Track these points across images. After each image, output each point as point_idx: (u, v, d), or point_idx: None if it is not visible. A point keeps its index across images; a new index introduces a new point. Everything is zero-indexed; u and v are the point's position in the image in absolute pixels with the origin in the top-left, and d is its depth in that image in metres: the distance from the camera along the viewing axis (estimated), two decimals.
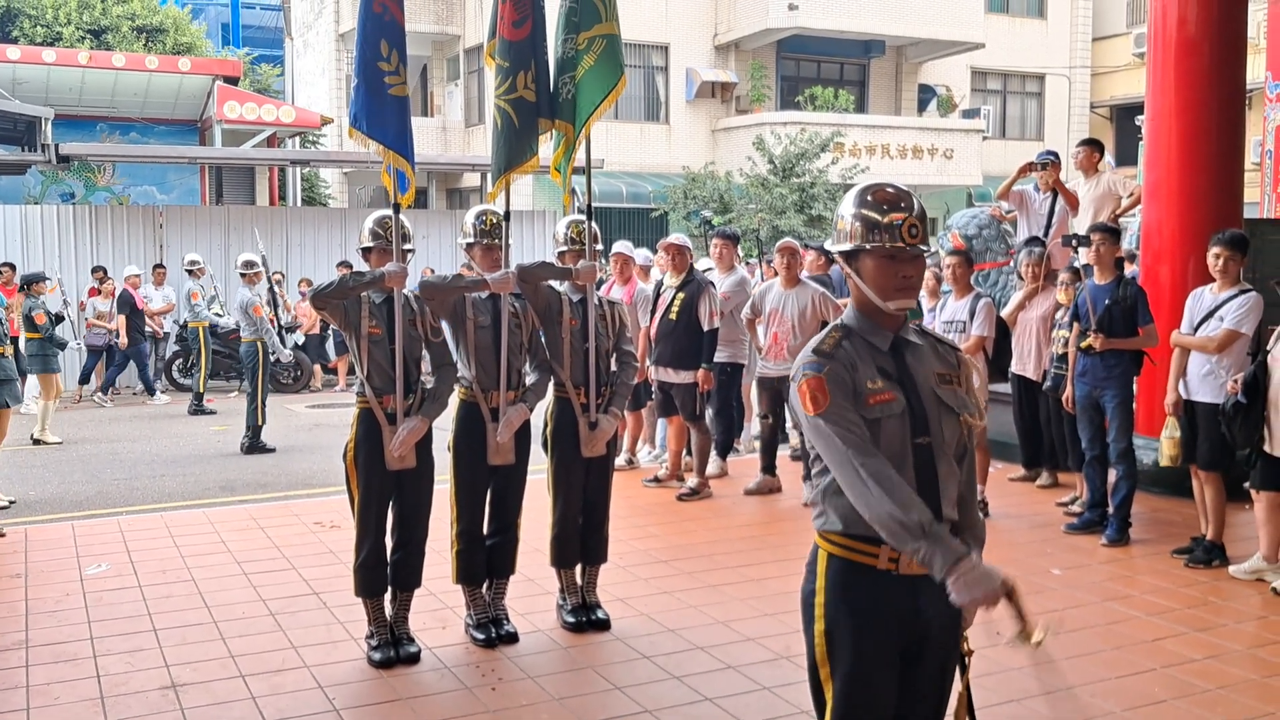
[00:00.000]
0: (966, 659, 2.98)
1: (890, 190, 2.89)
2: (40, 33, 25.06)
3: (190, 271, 15.38)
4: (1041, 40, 32.71)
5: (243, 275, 12.17)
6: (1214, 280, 6.75)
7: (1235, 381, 6.30)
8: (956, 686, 2.96)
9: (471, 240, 5.46)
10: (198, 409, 14.44)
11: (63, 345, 12.56)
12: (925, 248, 2.85)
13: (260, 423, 11.48)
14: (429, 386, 5.26)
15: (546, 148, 5.81)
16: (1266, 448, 6.17)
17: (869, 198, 2.87)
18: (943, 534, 2.66)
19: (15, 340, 12.30)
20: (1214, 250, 6.66)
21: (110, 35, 25.71)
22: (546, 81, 5.66)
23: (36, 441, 11.92)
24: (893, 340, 2.87)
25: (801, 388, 2.80)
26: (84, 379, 16.01)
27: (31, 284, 12.89)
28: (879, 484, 2.66)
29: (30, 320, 12.20)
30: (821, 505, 2.86)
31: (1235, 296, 6.60)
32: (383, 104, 5.18)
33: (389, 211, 5.29)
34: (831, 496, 2.82)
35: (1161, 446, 6.99)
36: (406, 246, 5.27)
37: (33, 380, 12.53)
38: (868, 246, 2.82)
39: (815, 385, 2.77)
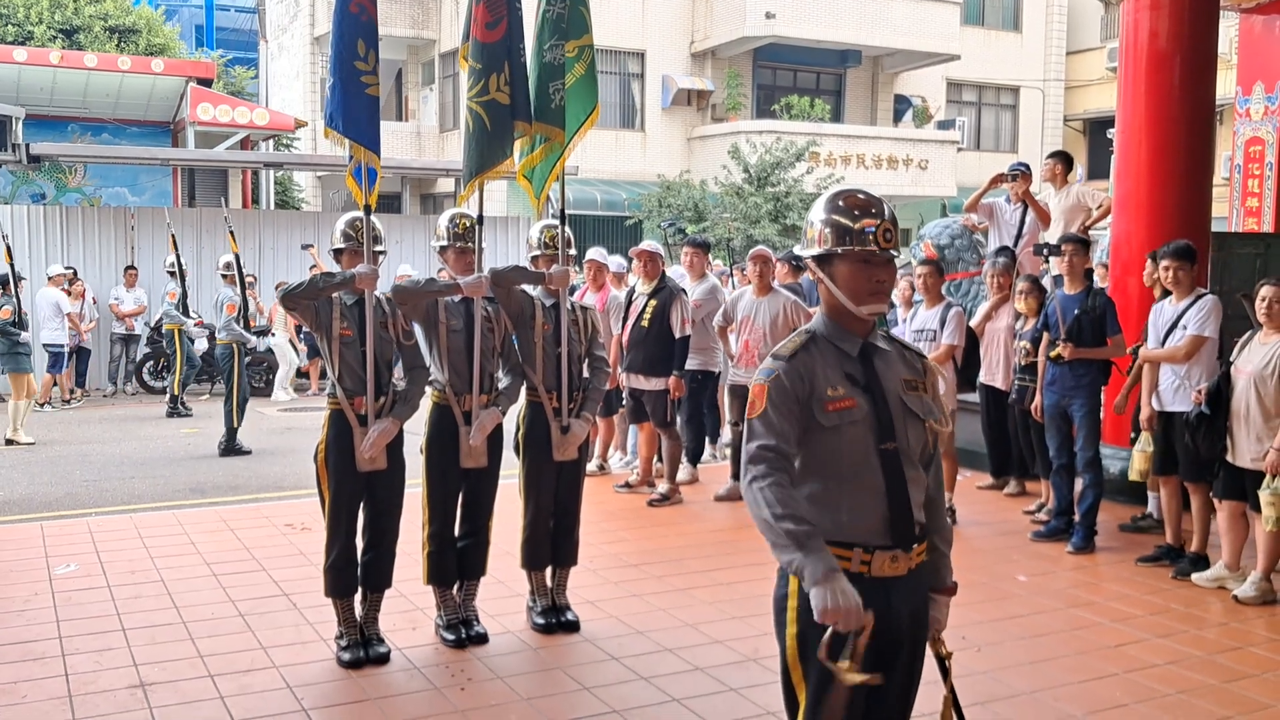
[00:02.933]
0: (947, 661, 3.01)
1: (862, 196, 2.91)
2: (11, 31, 24.85)
3: (171, 274, 15.27)
4: (1016, 53, 32.98)
5: (224, 276, 12.12)
6: (1169, 293, 6.87)
7: (1199, 391, 6.38)
8: (941, 689, 2.99)
9: (445, 244, 5.47)
10: (174, 411, 14.37)
11: (21, 328, 12.40)
12: (896, 252, 2.88)
13: (236, 425, 11.45)
14: (400, 389, 5.27)
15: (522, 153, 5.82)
16: (1229, 457, 6.26)
17: (840, 203, 2.89)
18: (820, 547, 2.69)
19: None
20: (1163, 263, 6.79)
21: (82, 35, 25.51)
22: (523, 84, 5.65)
23: (9, 442, 11.83)
24: (861, 346, 2.90)
25: (752, 390, 2.88)
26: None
27: (4, 285, 12.83)
28: (767, 494, 2.72)
29: None
30: None
31: (1193, 303, 6.71)
32: (359, 104, 5.19)
33: (361, 213, 5.30)
34: (805, 499, 2.84)
35: (1133, 460, 7.07)
36: (378, 248, 5.28)
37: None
38: (839, 251, 2.85)
39: (758, 391, 2.84)
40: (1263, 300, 6.12)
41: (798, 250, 3.08)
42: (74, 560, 6.83)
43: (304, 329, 16.66)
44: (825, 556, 2.68)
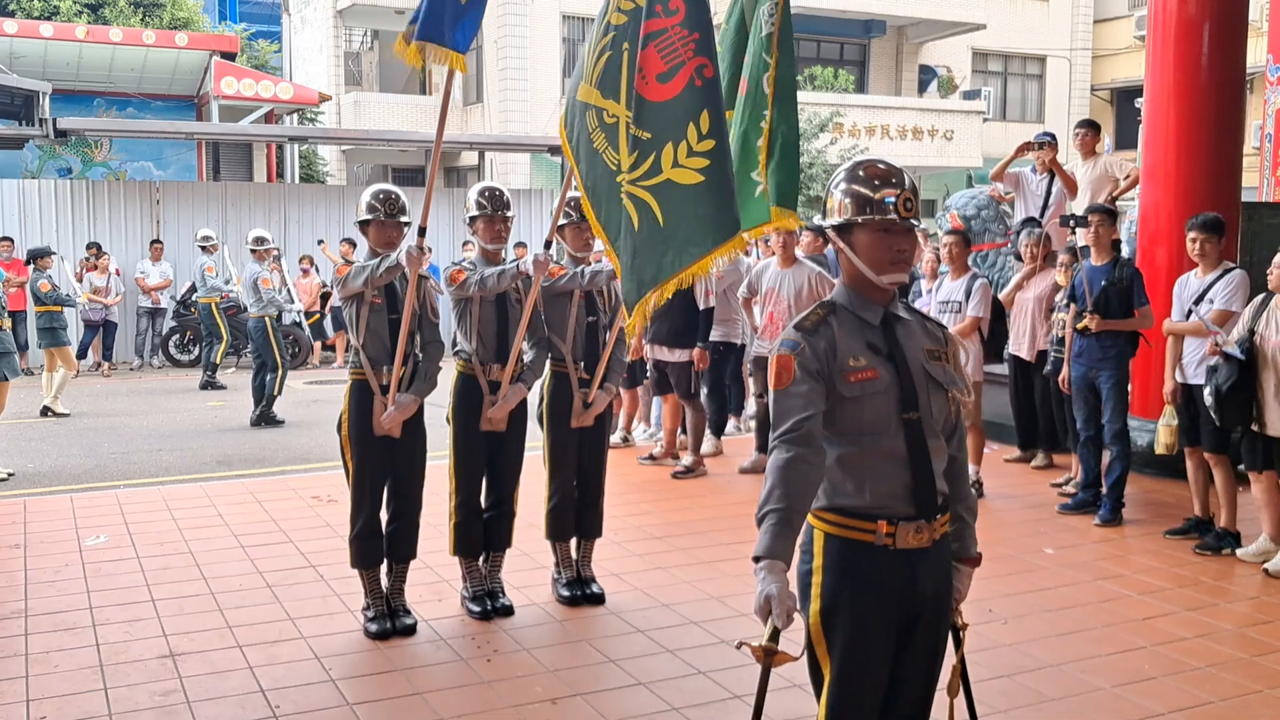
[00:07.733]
0: (961, 632, 3.01)
1: (882, 165, 2.90)
2: (38, 7, 24.95)
3: (204, 248, 15.32)
4: (1043, 22, 32.63)
5: (253, 251, 12.13)
6: (1195, 265, 6.80)
7: (1216, 344, 6.24)
8: (951, 659, 2.99)
9: (476, 214, 5.48)
10: (209, 383, 14.46)
11: (69, 304, 12.74)
12: (917, 222, 2.87)
13: (277, 393, 11.54)
14: (420, 365, 5.28)
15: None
16: (1258, 429, 6.18)
17: (861, 173, 2.88)
18: (781, 532, 2.72)
19: (15, 314, 12.39)
20: (1190, 235, 6.72)
21: (107, 10, 25.60)
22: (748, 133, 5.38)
23: (46, 411, 11.95)
24: (883, 315, 2.88)
25: (773, 361, 2.84)
26: (80, 354, 16.01)
27: (38, 258, 12.98)
28: (779, 472, 2.79)
29: (36, 293, 12.29)
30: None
31: (1221, 277, 6.64)
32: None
33: (384, 185, 5.30)
34: (827, 469, 2.83)
35: (1158, 434, 7.00)
36: (403, 219, 5.26)
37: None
38: (860, 221, 2.84)
39: (783, 363, 2.81)
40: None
41: (818, 220, 3.08)
42: (103, 532, 6.89)
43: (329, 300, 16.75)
44: (780, 546, 2.70)
